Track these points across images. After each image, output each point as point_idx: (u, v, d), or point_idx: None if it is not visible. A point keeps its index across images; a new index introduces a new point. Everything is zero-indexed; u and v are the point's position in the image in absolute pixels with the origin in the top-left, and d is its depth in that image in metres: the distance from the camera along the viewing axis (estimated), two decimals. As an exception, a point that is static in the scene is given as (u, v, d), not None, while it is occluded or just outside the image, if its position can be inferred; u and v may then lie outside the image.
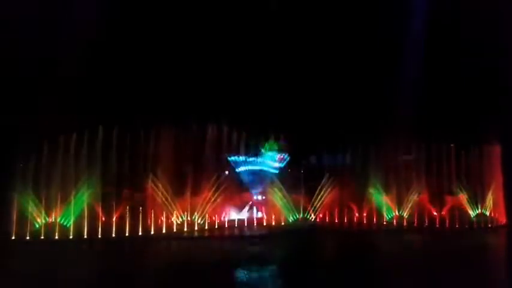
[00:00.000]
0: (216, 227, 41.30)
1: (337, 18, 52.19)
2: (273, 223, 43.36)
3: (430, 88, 50.22)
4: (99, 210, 35.82)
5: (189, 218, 40.83)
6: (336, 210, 45.25)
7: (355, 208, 45.52)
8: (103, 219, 35.77)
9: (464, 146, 44.95)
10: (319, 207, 45.06)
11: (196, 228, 39.67)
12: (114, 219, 35.72)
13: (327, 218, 45.59)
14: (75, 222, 34.42)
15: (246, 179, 47.47)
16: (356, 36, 52.74)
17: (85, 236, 33.51)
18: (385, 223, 44.03)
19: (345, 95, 53.03)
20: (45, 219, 34.88)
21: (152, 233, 36.38)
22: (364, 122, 49.78)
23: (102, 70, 45.71)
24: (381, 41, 51.34)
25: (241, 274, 21.04)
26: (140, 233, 35.51)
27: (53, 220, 34.96)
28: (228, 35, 51.59)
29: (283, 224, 43.60)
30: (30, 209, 34.32)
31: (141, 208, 36.83)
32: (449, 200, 44.51)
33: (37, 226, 34.66)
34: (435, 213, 43.62)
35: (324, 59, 52.87)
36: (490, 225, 43.57)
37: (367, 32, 52.11)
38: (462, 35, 48.22)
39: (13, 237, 32.07)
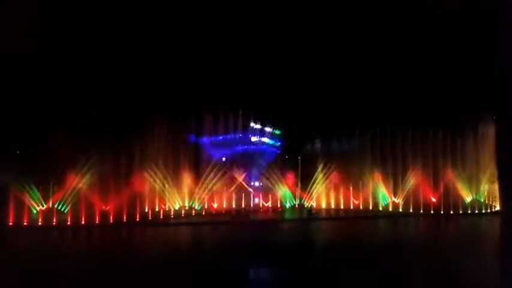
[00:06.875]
0: (214, 213, 41.35)
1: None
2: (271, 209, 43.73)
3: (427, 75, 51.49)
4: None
5: (185, 205, 41.22)
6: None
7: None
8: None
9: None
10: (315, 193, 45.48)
11: (193, 214, 39.91)
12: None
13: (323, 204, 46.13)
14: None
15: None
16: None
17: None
18: (381, 209, 44.51)
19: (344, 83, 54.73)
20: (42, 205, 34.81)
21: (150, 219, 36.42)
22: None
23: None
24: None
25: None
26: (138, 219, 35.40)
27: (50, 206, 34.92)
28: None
29: (280, 210, 44.03)
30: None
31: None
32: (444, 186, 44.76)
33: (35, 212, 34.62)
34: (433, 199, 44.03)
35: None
36: (484, 211, 44.04)
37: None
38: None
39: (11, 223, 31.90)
